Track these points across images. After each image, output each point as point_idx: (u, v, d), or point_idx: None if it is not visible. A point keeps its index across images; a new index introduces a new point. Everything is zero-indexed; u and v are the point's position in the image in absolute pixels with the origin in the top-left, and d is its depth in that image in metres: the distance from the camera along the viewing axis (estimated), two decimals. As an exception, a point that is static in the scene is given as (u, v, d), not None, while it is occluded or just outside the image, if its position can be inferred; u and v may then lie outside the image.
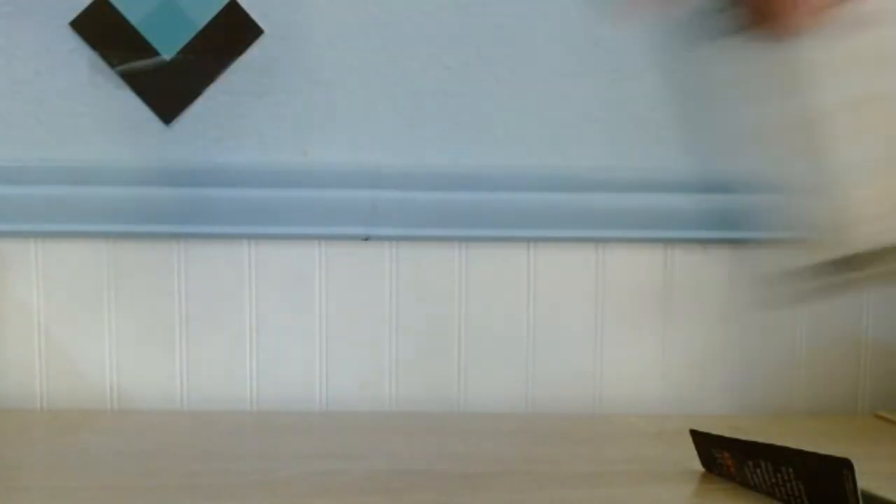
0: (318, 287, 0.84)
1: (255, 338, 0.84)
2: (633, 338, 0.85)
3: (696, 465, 0.61)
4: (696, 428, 0.61)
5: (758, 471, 0.54)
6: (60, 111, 0.81)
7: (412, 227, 0.82)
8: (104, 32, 0.81)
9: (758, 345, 0.85)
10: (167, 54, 0.81)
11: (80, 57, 0.81)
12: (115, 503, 0.54)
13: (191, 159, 0.82)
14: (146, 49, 0.81)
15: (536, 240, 0.84)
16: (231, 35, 0.81)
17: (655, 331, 0.85)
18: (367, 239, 0.83)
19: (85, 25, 0.81)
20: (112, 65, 0.81)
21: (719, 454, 0.58)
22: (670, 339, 0.85)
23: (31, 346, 0.83)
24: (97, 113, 0.82)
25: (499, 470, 0.60)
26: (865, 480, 0.48)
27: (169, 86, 0.82)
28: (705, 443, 0.60)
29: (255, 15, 0.82)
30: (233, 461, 0.62)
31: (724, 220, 0.83)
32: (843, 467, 0.46)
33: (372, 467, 0.60)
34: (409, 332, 0.84)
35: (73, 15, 0.81)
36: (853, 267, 0.44)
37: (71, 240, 0.82)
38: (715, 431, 0.60)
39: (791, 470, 0.51)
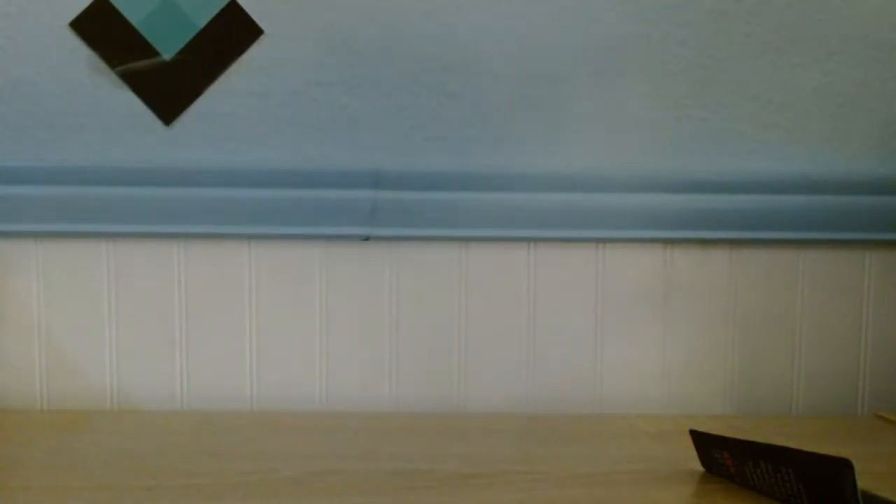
0: (318, 287, 0.84)
1: (255, 338, 0.84)
2: (633, 338, 0.85)
3: (696, 465, 0.61)
4: (696, 428, 0.61)
5: (758, 471, 0.54)
6: (60, 111, 0.81)
7: (412, 227, 0.82)
8: (104, 32, 0.81)
9: (758, 345, 0.85)
10: (167, 54, 0.81)
11: (80, 57, 0.81)
12: (115, 503, 0.54)
13: (191, 159, 0.82)
14: (146, 49, 0.81)
15: (536, 240, 0.84)
16: (231, 35, 0.81)
17: (655, 331, 0.85)
18: (367, 239, 0.83)
19: (85, 25, 0.81)
20: (112, 65, 0.81)
21: (719, 454, 0.58)
22: (670, 339, 0.85)
23: (31, 346, 0.83)
24: (97, 113, 0.82)
25: (499, 470, 0.60)
26: (865, 480, 0.48)
27: (169, 86, 0.82)
28: (705, 443, 0.60)
29: (255, 15, 0.82)
30: (233, 461, 0.62)
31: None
32: (843, 467, 0.46)
33: (372, 467, 0.60)
34: (409, 332, 0.84)
35: (73, 15, 0.81)
36: None
37: (71, 240, 0.82)
38: (715, 431, 0.60)
39: (791, 470, 0.51)
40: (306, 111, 0.83)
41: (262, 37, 0.82)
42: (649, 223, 0.83)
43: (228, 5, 0.81)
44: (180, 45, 0.81)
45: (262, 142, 0.83)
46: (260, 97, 0.82)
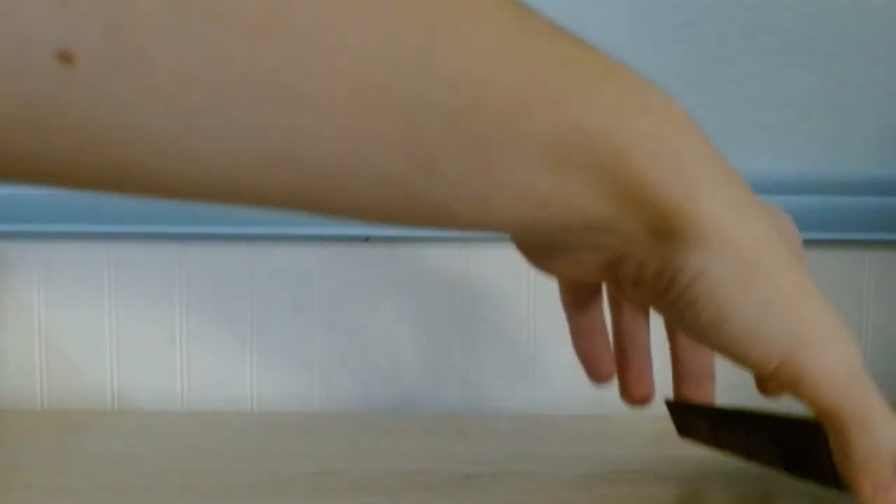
0: (318, 287, 0.84)
1: (255, 338, 0.84)
2: (633, 338, 0.85)
3: (696, 466, 0.61)
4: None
5: (733, 436, 0.53)
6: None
7: (412, 228, 0.82)
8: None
9: (758, 345, 0.85)
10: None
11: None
12: (115, 503, 0.54)
13: (191, 159, 0.82)
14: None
15: (536, 240, 0.84)
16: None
17: (655, 330, 0.85)
18: (367, 239, 0.83)
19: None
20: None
21: (694, 422, 0.57)
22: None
23: (31, 346, 0.83)
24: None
25: (499, 470, 0.60)
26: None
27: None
28: (681, 411, 0.59)
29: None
30: (233, 461, 0.62)
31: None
32: (818, 431, 0.46)
33: (372, 467, 0.61)
34: (409, 332, 0.84)
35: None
36: None
37: (71, 240, 0.82)
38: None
39: (765, 434, 0.50)
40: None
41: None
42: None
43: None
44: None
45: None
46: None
